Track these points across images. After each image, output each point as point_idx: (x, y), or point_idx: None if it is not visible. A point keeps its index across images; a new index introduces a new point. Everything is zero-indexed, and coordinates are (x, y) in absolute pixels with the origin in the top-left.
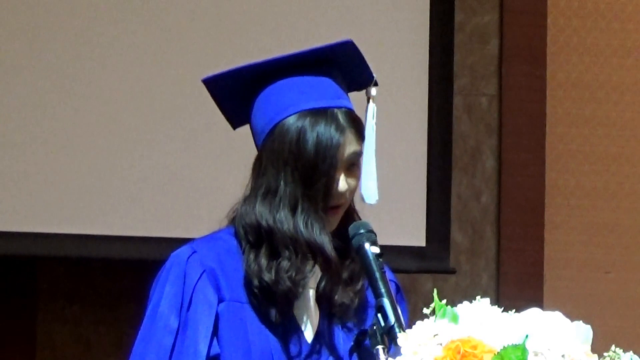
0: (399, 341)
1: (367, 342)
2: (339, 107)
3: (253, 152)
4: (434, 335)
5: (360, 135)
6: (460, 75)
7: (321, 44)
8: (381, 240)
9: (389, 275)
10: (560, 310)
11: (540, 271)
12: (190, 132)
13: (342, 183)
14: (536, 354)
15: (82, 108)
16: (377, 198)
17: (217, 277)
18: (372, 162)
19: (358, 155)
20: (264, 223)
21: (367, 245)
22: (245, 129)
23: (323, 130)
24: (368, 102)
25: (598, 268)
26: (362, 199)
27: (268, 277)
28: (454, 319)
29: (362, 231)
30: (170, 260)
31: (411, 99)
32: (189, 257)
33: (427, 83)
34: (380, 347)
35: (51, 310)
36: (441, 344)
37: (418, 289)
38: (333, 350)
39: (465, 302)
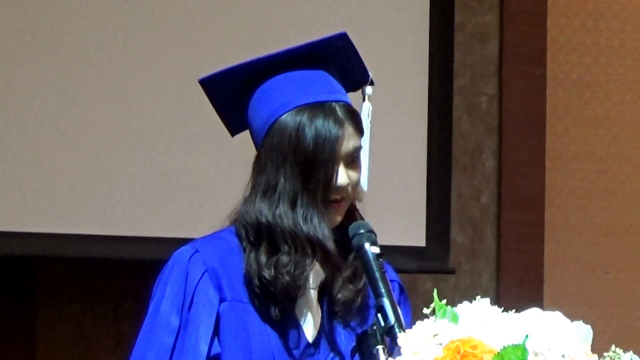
0: (399, 341)
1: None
2: (337, 101)
3: (253, 152)
4: (434, 335)
5: (359, 129)
6: (460, 75)
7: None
8: (381, 240)
9: (392, 275)
10: (560, 310)
11: (540, 271)
12: (190, 132)
13: (343, 176)
14: (536, 354)
15: (82, 108)
16: (365, 188)
17: (219, 277)
18: (365, 157)
19: (358, 149)
20: (263, 219)
21: (367, 245)
22: None
23: (321, 124)
24: (364, 100)
25: (598, 268)
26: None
27: (267, 273)
28: (454, 319)
29: (362, 231)
30: (172, 260)
31: (411, 99)
32: (191, 257)
33: (427, 83)
34: (380, 347)
35: (51, 310)
36: (441, 344)
37: (418, 289)
38: (335, 349)
39: (465, 302)
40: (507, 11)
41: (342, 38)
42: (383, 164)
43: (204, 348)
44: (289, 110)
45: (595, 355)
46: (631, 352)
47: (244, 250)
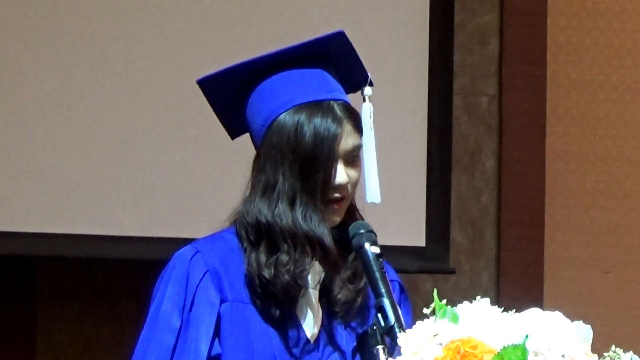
0: (399, 341)
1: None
2: (335, 100)
3: (253, 152)
4: (434, 335)
5: (358, 127)
6: (460, 75)
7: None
8: (381, 240)
9: (392, 275)
10: (560, 310)
11: (540, 271)
12: (190, 132)
13: (342, 175)
14: (536, 354)
15: (82, 108)
16: (379, 198)
17: (220, 277)
18: (374, 162)
19: (357, 148)
20: (262, 219)
21: (367, 245)
22: None
23: (320, 122)
24: (364, 101)
25: (598, 268)
26: (365, 199)
27: (267, 273)
28: (454, 319)
29: (362, 231)
30: (173, 260)
31: (411, 99)
32: (192, 257)
33: (427, 83)
34: (380, 347)
35: (51, 310)
36: (441, 344)
37: (418, 289)
38: (336, 349)
39: (465, 302)
40: (507, 11)
41: (340, 36)
42: (383, 164)
43: (204, 348)
44: (288, 110)
45: (595, 355)
46: (631, 352)
47: (245, 250)
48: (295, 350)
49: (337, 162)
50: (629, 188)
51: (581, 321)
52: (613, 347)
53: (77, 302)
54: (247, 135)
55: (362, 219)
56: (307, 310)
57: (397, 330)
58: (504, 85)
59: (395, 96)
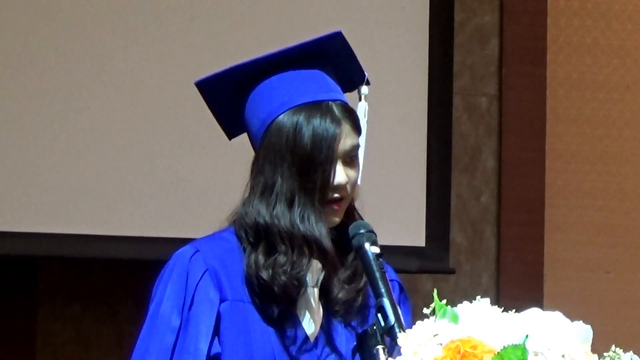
0: (399, 341)
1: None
2: (334, 100)
3: (253, 152)
4: (434, 335)
5: (356, 127)
6: (460, 75)
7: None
8: (381, 240)
9: (392, 275)
10: (560, 310)
11: (540, 271)
12: (190, 132)
13: (341, 175)
14: (536, 354)
15: (82, 109)
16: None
17: (220, 277)
18: (361, 159)
19: (356, 147)
20: (261, 220)
21: (367, 245)
22: None
23: (319, 123)
24: (360, 100)
25: (598, 268)
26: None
27: (265, 274)
28: (454, 319)
29: (362, 231)
30: (172, 259)
31: (411, 99)
32: (191, 256)
33: (427, 83)
34: (380, 347)
35: (51, 310)
36: (441, 344)
37: (418, 289)
38: (336, 349)
39: (465, 302)
40: (507, 11)
41: (337, 37)
42: (383, 164)
43: (204, 347)
44: (286, 111)
45: (595, 355)
46: (631, 352)
47: (244, 251)
48: (295, 349)
49: (336, 163)
50: (629, 188)
51: (581, 321)
52: (613, 347)
53: (77, 302)
54: (247, 136)
55: (362, 219)
56: (306, 309)
57: (397, 330)
58: (504, 85)
59: (395, 96)
